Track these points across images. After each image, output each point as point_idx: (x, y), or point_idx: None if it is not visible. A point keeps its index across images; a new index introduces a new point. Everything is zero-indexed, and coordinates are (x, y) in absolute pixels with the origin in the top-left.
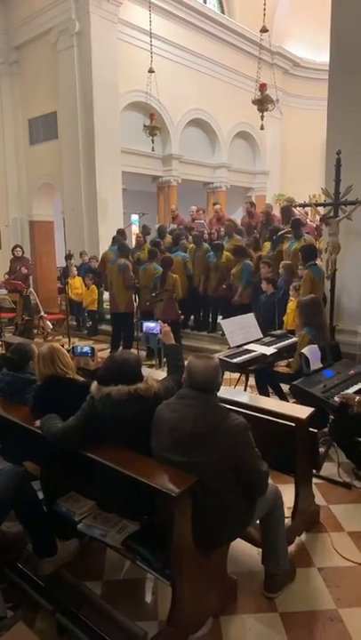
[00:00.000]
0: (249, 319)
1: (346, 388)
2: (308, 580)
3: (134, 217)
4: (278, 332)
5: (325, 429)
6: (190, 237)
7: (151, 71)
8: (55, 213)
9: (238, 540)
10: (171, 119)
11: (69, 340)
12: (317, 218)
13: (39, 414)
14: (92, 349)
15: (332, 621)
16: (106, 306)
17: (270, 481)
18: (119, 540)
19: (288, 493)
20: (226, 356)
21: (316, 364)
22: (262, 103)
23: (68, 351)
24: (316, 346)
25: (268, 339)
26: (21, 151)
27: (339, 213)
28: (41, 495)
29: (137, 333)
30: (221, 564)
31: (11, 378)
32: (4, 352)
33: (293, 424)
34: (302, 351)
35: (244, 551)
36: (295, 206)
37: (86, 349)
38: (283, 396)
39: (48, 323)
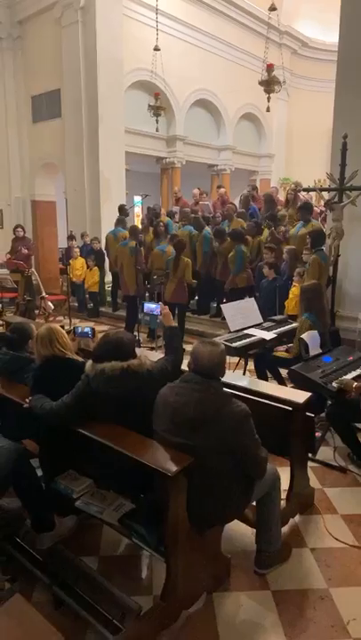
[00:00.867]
0: (250, 304)
1: (344, 373)
2: (301, 559)
3: (137, 198)
4: (278, 317)
5: (322, 414)
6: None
7: (157, 49)
8: (57, 193)
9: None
10: (176, 99)
11: (70, 322)
12: (322, 203)
13: (39, 393)
14: (93, 330)
15: (323, 600)
16: (107, 287)
17: (269, 463)
18: (116, 518)
19: (284, 476)
20: (226, 340)
21: (315, 349)
22: (269, 84)
23: (69, 332)
24: (315, 332)
25: (268, 324)
26: (24, 129)
27: (343, 199)
28: (39, 473)
29: (141, 316)
30: (216, 542)
31: (10, 357)
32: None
33: (291, 408)
34: (302, 336)
35: (239, 531)
36: (299, 191)
37: (87, 330)
38: (281, 381)
39: (49, 303)
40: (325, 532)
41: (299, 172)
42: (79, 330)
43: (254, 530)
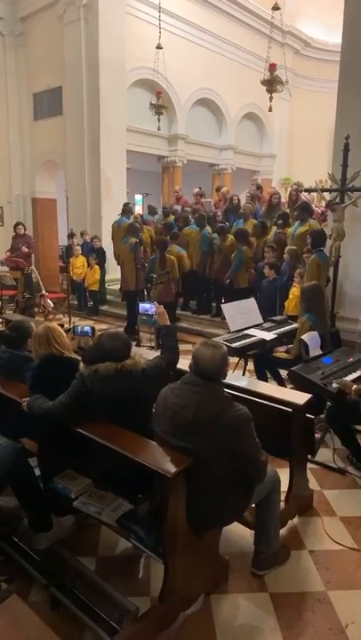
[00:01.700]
0: (250, 304)
1: (344, 375)
2: (299, 562)
3: (138, 197)
4: (279, 317)
5: (322, 416)
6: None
7: (159, 47)
8: (58, 191)
9: None
10: (178, 98)
11: (70, 320)
12: (323, 203)
13: (37, 393)
14: (93, 329)
15: (321, 603)
16: (108, 286)
17: (269, 466)
18: (114, 518)
19: (283, 477)
20: (225, 340)
21: (315, 350)
22: (271, 84)
23: (68, 331)
24: (316, 333)
25: (268, 324)
26: (25, 126)
27: (345, 199)
28: (38, 472)
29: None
30: (214, 544)
31: (9, 355)
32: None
33: (290, 409)
34: (302, 337)
35: (237, 532)
36: (301, 191)
37: (87, 329)
38: (281, 382)
39: (49, 301)
40: (324, 534)
41: (300, 173)
42: (79, 329)
43: (252, 531)
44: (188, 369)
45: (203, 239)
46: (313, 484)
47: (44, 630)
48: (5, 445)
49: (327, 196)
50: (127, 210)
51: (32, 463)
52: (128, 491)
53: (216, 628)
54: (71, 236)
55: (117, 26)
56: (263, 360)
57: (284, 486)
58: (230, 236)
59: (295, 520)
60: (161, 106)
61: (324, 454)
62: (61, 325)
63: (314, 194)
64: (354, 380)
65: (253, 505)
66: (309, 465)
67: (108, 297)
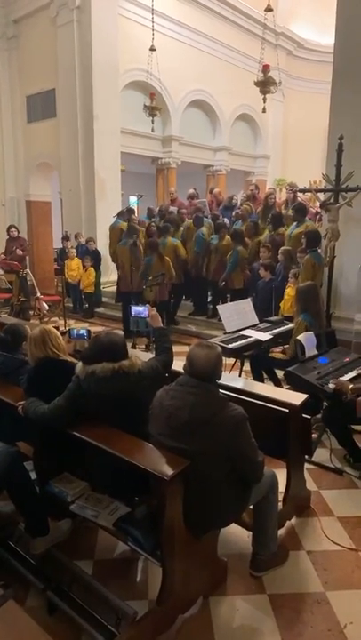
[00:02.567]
0: (245, 305)
1: (340, 375)
2: (297, 562)
3: (132, 198)
4: (274, 318)
5: (318, 416)
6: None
7: (152, 49)
8: (52, 193)
9: None
10: (171, 99)
11: (65, 322)
12: (317, 204)
13: (33, 396)
14: (89, 332)
15: (320, 604)
16: (103, 288)
17: (267, 467)
18: (111, 521)
19: (280, 478)
20: (222, 342)
21: (311, 350)
22: (265, 85)
23: (64, 334)
24: (311, 333)
25: (264, 325)
26: (19, 129)
27: (339, 200)
28: (34, 476)
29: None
30: (212, 546)
31: (4, 359)
32: None
33: (287, 410)
34: (298, 338)
35: (235, 534)
36: (296, 192)
37: (82, 332)
38: (277, 382)
39: (44, 304)
40: (322, 534)
41: (294, 173)
42: (75, 332)
43: (250, 533)
44: (182, 370)
45: (196, 239)
46: (310, 484)
47: (41, 635)
48: (0, 449)
49: (321, 196)
50: (121, 213)
51: (28, 467)
52: (125, 493)
53: (215, 631)
54: (66, 238)
55: (110, 28)
56: (259, 361)
57: (282, 487)
58: (227, 236)
59: (293, 521)
60: (155, 107)
61: (321, 455)
62: (57, 328)
63: (308, 194)
64: (350, 380)
65: (251, 506)
66: (307, 465)
67: (103, 299)
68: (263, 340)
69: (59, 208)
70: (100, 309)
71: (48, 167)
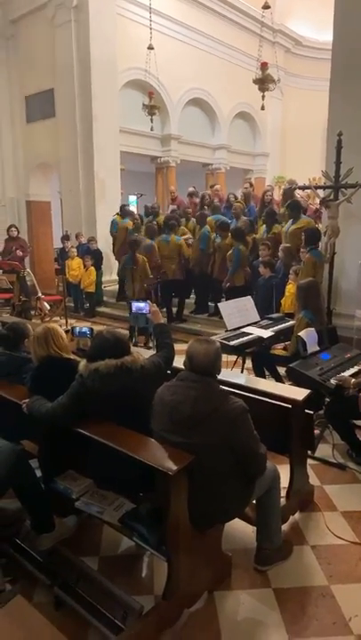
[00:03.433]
0: (246, 302)
1: (342, 370)
2: (302, 557)
3: (132, 198)
4: (276, 315)
5: (321, 411)
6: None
7: (151, 48)
8: (52, 193)
9: None
10: (170, 98)
11: (66, 322)
12: (317, 201)
13: (37, 394)
14: (92, 330)
15: (324, 597)
16: (104, 287)
17: (269, 461)
18: (116, 517)
19: (283, 473)
20: (223, 339)
21: (313, 347)
22: (263, 82)
23: (67, 332)
24: (313, 329)
25: (265, 322)
26: (18, 129)
27: (339, 196)
28: (39, 473)
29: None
30: (217, 541)
31: (7, 357)
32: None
33: (290, 406)
34: (299, 334)
35: (240, 529)
36: (295, 189)
37: (85, 330)
38: (279, 379)
39: (45, 304)
40: (326, 529)
41: (294, 171)
42: (77, 330)
43: (255, 527)
44: (183, 366)
45: (202, 237)
46: (313, 479)
47: (49, 629)
48: (5, 448)
49: (321, 193)
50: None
51: (33, 464)
52: (130, 489)
53: (220, 625)
54: (66, 238)
55: (108, 27)
56: (261, 357)
57: (285, 482)
58: (229, 234)
59: (296, 516)
60: (153, 106)
61: (323, 450)
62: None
63: (308, 191)
64: (352, 375)
65: (254, 501)
66: (309, 461)
67: (104, 298)
68: (265, 337)
69: (59, 208)
70: (102, 308)
71: (48, 167)
